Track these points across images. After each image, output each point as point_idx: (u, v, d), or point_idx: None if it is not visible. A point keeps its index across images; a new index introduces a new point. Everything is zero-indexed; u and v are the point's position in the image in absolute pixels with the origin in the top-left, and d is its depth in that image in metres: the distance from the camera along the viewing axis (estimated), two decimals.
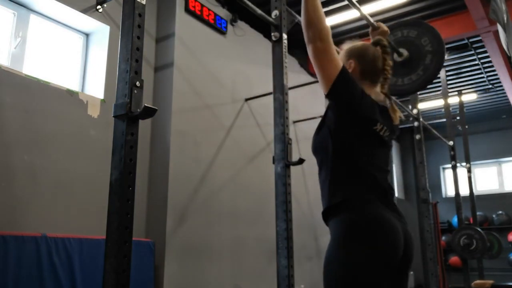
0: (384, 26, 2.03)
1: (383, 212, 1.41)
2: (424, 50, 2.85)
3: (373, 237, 1.35)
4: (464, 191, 6.60)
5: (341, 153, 1.51)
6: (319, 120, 1.66)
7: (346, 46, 1.74)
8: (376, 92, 1.65)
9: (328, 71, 1.49)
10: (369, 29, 2.11)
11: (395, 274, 1.40)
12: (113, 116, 1.64)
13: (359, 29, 5.48)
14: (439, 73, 2.94)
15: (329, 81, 1.48)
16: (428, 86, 7.26)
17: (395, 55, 2.81)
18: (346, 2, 4.78)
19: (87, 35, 3.73)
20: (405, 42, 2.88)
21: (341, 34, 5.56)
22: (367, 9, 4.92)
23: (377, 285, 1.31)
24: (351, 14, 5.04)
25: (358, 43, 1.73)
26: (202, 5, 4.24)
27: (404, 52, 2.84)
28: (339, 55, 1.68)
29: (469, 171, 6.86)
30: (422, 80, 2.87)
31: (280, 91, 2.74)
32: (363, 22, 5.25)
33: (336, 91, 1.49)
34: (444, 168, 9.74)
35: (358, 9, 2.65)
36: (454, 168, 6.41)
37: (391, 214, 1.43)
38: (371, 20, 2.46)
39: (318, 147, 1.59)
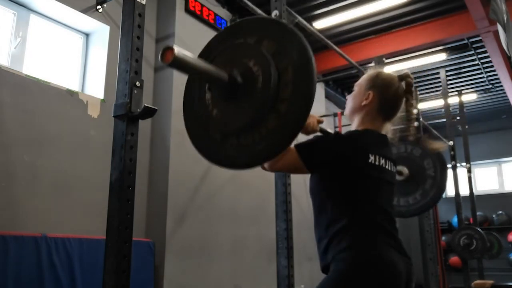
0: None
1: (386, 253, 1.35)
2: (426, 173, 2.67)
3: (373, 280, 1.30)
4: (464, 191, 6.60)
5: (340, 197, 1.42)
6: None
7: (371, 71, 1.61)
8: (386, 128, 1.57)
9: (298, 167, 1.41)
10: None
11: None
12: (113, 116, 1.64)
13: (359, 29, 5.48)
14: (436, 204, 2.75)
15: (304, 168, 1.41)
16: (428, 86, 7.31)
17: None
18: (346, 2, 4.82)
19: (87, 35, 3.73)
20: (407, 160, 2.67)
21: (341, 34, 5.56)
22: (367, 9, 4.92)
23: None
24: (350, 14, 5.04)
25: (383, 72, 1.59)
26: (202, 5, 4.24)
27: (404, 171, 2.66)
28: (359, 82, 1.60)
29: (469, 171, 6.86)
30: (419, 206, 2.71)
31: None
32: (363, 22, 5.25)
33: (312, 164, 1.41)
34: None
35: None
36: (454, 168, 6.40)
37: (396, 255, 1.37)
38: None
39: (313, 189, 1.50)
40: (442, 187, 2.66)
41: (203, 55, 1.53)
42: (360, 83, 1.61)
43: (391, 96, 1.54)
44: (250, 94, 1.34)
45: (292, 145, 1.40)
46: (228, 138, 1.40)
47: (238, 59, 1.39)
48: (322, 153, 1.41)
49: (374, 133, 1.52)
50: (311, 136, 1.51)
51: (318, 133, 1.52)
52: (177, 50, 1.19)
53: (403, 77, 1.58)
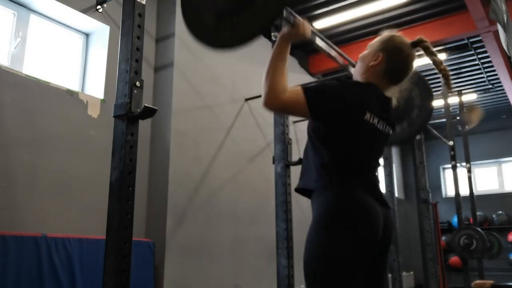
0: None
1: (365, 198, 1.42)
2: (413, 102, 2.69)
3: (353, 220, 1.37)
4: (464, 191, 6.59)
5: (332, 141, 1.48)
6: None
7: (385, 34, 1.62)
8: (390, 91, 1.60)
9: (300, 109, 1.43)
10: None
11: (374, 255, 1.44)
12: (113, 116, 1.64)
13: (359, 29, 5.48)
14: (421, 133, 2.75)
15: (306, 112, 1.43)
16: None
17: None
18: (346, 2, 4.82)
19: (87, 35, 3.73)
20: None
21: (341, 34, 5.56)
22: (367, 9, 4.92)
23: (356, 264, 1.35)
24: (350, 14, 5.04)
25: (397, 37, 1.59)
26: None
27: (393, 101, 2.72)
28: (372, 42, 1.61)
29: (469, 171, 6.86)
30: (405, 135, 2.73)
31: None
32: (363, 22, 5.25)
33: (317, 111, 1.44)
34: (444, 168, 9.74)
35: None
36: (454, 168, 6.40)
37: (374, 201, 1.44)
38: None
39: (310, 130, 1.55)
40: (428, 116, 2.71)
41: None
42: (372, 44, 1.62)
43: (400, 61, 1.56)
44: None
45: (299, 86, 1.44)
46: (221, 20, 1.50)
47: None
48: (326, 99, 1.44)
49: (378, 91, 1.55)
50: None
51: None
52: None
53: (417, 42, 1.59)
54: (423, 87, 2.72)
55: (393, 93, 1.61)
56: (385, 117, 1.55)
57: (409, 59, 1.57)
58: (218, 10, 1.50)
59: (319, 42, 2.94)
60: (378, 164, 1.61)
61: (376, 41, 1.61)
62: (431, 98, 2.71)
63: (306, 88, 1.43)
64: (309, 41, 2.41)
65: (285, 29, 1.53)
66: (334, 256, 1.34)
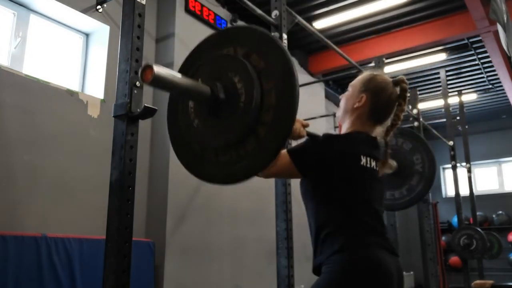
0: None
1: (377, 254, 1.35)
2: (414, 168, 2.64)
3: (366, 283, 1.31)
4: (464, 191, 6.60)
5: (330, 198, 1.42)
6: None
7: (366, 74, 1.60)
8: (376, 132, 1.57)
9: (291, 172, 1.42)
10: None
11: None
12: (113, 116, 1.64)
13: (359, 29, 5.48)
14: (422, 199, 2.65)
15: (296, 173, 1.42)
16: (428, 86, 7.31)
17: None
18: (346, 2, 4.82)
19: (87, 35, 3.73)
20: (397, 153, 2.65)
21: (340, 35, 5.56)
22: (367, 9, 4.92)
23: None
24: (350, 14, 5.04)
25: (378, 76, 1.58)
26: (202, 5, 4.24)
27: (393, 164, 2.62)
28: (353, 83, 1.59)
29: (469, 171, 6.86)
30: (404, 202, 2.67)
31: None
32: (363, 22, 5.25)
33: (305, 169, 1.42)
34: (444, 168, 9.74)
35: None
36: (454, 168, 6.40)
37: (386, 254, 1.38)
38: None
39: (304, 193, 1.50)
40: (429, 184, 2.66)
41: (190, 59, 1.54)
42: (354, 84, 1.60)
43: (384, 101, 1.53)
44: (231, 112, 1.34)
45: (285, 150, 1.41)
46: (206, 152, 1.43)
47: (224, 72, 1.38)
48: (314, 156, 1.42)
49: (363, 134, 1.52)
50: (300, 141, 1.51)
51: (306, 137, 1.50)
52: (156, 69, 1.19)
53: (398, 82, 1.57)
54: (425, 154, 2.68)
55: (379, 134, 1.58)
56: (376, 154, 1.52)
57: (393, 98, 1.54)
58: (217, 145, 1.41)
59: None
60: (383, 209, 1.53)
61: (357, 81, 1.59)
62: (433, 166, 2.65)
63: (289, 150, 1.42)
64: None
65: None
66: None
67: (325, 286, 1.33)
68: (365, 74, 1.60)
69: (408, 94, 1.58)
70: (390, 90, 1.54)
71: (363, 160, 1.43)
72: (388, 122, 1.58)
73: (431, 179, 2.66)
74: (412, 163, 2.67)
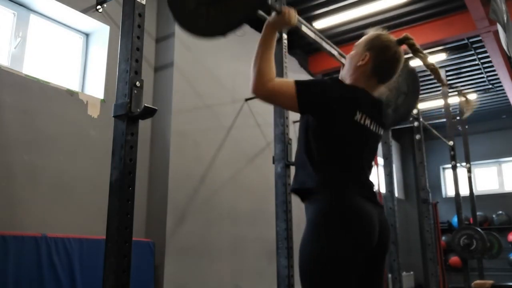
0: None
1: (359, 201, 1.41)
2: (400, 90, 2.71)
3: (348, 223, 1.36)
4: (464, 191, 6.59)
5: (324, 140, 1.47)
6: None
7: (371, 33, 1.61)
8: (379, 90, 1.60)
9: (289, 100, 1.44)
10: None
11: (370, 260, 1.43)
12: (113, 116, 1.64)
13: (359, 29, 5.47)
14: (408, 119, 2.74)
15: (294, 105, 1.44)
16: (428, 86, 7.31)
17: None
18: (346, 2, 4.82)
19: (87, 35, 3.73)
20: None
21: (340, 34, 5.56)
22: (367, 9, 4.92)
23: (351, 269, 1.34)
24: (350, 14, 5.04)
25: (383, 35, 1.58)
26: None
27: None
28: (358, 42, 1.61)
29: (469, 171, 6.86)
30: (390, 121, 2.76)
31: None
32: (363, 22, 5.25)
33: (305, 106, 1.45)
34: (444, 168, 9.74)
35: None
36: (454, 168, 6.40)
37: (369, 204, 1.43)
38: None
39: (302, 127, 1.55)
40: (414, 102, 2.76)
41: None
42: (358, 44, 1.61)
43: (387, 59, 1.55)
44: None
45: (292, 80, 1.45)
46: (200, 6, 1.52)
47: None
48: (316, 95, 1.45)
49: (367, 93, 1.55)
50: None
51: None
52: None
53: (402, 40, 1.59)
54: (409, 74, 2.75)
55: (382, 93, 1.60)
56: (378, 118, 1.55)
57: (396, 57, 1.55)
58: None
59: (306, 30, 2.94)
60: (371, 166, 1.58)
61: (362, 40, 1.60)
62: (417, 85, 2.73)
63: (297, 81, 1.44)
64: (295, 29, 2.41)
65: (271, 16, 1.53)
66: (329, 260, 1.33)
67: (309, 234, 1.38)
68: (369, 34, 1.61)
69: (417, 46, 1.58)
70: (394, 49, 1.55)
71: (358, 116, 1.46)
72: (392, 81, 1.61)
73: (415, 98, 2.74)
74: (397, 85, 2.74)
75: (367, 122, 1.49)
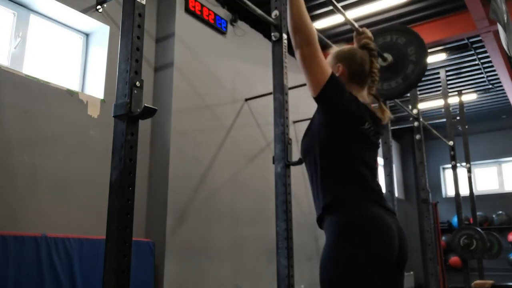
0: (368, 32, 1.97)
1: (377, 211, 1.42)
2: (408, 59, 2.85)
3: (367, 238, 1.35)
4: (464, 191, 6.60)
5: (330, 154, 1.52)
6: None
7: (333, 50, 1.76)
8: (363, 95, 1.68)
9: (317, 76, 1.50)
10: (354, 34, 2.10)
11: (390, 274, 1.41)
12: (113, 116, 1.64)
13: (351, 32, 5.47)
14: (417, 85, 2.91)
15: (318, 86, 1.50)
16: (428, 86, 7.31)
17: (380, 60, 2.80)
18: (346, 2, 4.81)
19: (87, 35, 3.73)
20: (392, 47, 2.90)
21: (340, 34, 5.56)
22: (367, 9, 4.92)
23: (371, 285, 1.32)
24: (350, 14, 5.03)
25: (345, 47, 1.75)
26: (202, 5, 4.24)
27: (389, 57, 2.86)
28: (327, 59, 1.70)
29: (469, 171, 6.86)
30: (401, 89, 2.90)
31: (280, 91, 2.74)
32: (363, 22, 5.24)
33: (325, 95, 1.51)
34: (444, 168, 9.74)
35: (343, 14, 2.70)
36: (454, 168, 6.40)
37: (385, 212, 1.44)
38: (356, 25, 2.50)
39: (307, 149, 1.59)
40: (422, 70, 2.88)
41: None
42: (328, 61, 1.72)
43: (358, 61, 1.68)
44: None
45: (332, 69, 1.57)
46: None
47: None
48: (337, 97, 1.53)
49: (364, 103, 1.65)
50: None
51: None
52: None
53: (363, 45, 1.75)
54: (418, 44, 2.88)
55: (365, 99, 1.69)
56: (376, 127, 1.63)
57: (364, 58, 1.69)
58: None
59: None
60: (377, 172, 1.65)
61: (329, 57, 1.74)
62: (425, 54, 2.86)
63: (334, 73, 1.54)
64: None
65: None
66: (348, 278, 1.32)
67: (328, 251, 1.38)
68: (332, 51, 1.77)
69: (375, 51, 1.75)
70: (360, 53, 1.71)
71: (367, 125, 1.57)
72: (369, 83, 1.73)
73: (424, 65, 2.87)
74: (406, 55, 2.88)
75: (371, 131, 1.60)
